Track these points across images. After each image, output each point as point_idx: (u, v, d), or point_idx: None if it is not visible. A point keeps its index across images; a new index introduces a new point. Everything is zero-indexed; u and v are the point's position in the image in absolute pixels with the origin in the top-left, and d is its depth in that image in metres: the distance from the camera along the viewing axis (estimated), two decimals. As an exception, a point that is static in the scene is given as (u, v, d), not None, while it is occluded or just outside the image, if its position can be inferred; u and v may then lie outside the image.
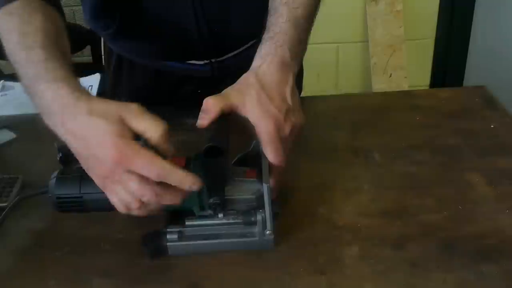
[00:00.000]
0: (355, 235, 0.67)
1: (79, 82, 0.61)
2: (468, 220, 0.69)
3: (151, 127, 0.57)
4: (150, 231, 0.66)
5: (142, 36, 0.94)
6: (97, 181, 0.59)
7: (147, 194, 0.57)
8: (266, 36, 0.69)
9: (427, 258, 0.63)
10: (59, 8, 0.73)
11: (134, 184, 0.56)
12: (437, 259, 0.63)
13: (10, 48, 0.66)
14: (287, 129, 0.63)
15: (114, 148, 0.55)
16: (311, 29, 0.73)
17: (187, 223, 0.65)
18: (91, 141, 0.56)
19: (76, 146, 0.59)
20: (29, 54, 0.63)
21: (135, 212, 0.60)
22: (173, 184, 0.57)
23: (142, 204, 0.59)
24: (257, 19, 0.74)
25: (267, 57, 0.66)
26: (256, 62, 0.66)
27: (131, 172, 0.56)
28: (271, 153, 0.62)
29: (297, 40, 0.68)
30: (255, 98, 0.62)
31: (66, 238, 0.70)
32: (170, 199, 0.59)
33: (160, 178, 0.56)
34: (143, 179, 0.56)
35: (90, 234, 0.70)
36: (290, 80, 0.65)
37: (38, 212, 0.74)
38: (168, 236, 0.65)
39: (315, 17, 0.75)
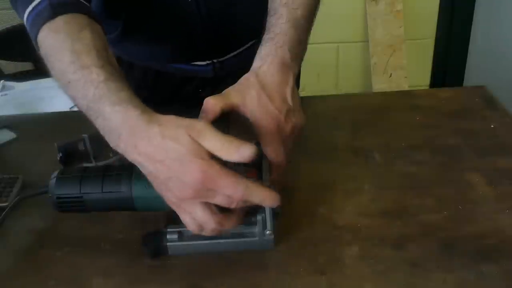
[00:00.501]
0: (355, 235, 0.67)
1: (140, 101, 0.61)
2: (468, 220, 0.69)
3: (215, 145, 0.55)
4: (150, 231, 0.66)
5: (146, 38, 0.94)
6: (172, 200, 0.58)
7: (231, 218, 0.59)
8: (266, 37, 0.69)
9: (427, 258, 0.63)
10: (98, 20, 0.71)
11: (218, 201, 0.56)
12: (437, 259, 0.63)
13: (62, 68, 0.63)
14: (287, 129, 0.63)
15: (197, 170, 0.54)
16: (311, 29, 0.73)
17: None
18: (171, 164, 0.55)
19: (152, 169, 0.56)
20: (86, 74, 0.61)
21: (208, 231, 0.60)
22: (255, 202, 0.57)
23: (219, 224, 0.58)
24: (260, 18, 0.74)
25: (267, 58, 0.66)
26: (256, 63, 0.66)
27: (214, 192, 0.55)
28: (271, 153, 0.62)
29: (297, 41, 0.68)
30: (255, 98, 0.62)
31: (66, 238, 0.70)
32: (238, 222, 0.61)
33: (244, 198, 0.56)
34: (227, 198, 0.56)
35: (90, 234, 0.70)
36: (291, 81, 0.65)
37: (38, 212, 0.74)
38: (168, 236, 0.65)
39: (315, 17, 0.75)
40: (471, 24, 2.36)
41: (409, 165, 0.81)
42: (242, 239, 0.65)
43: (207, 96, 0.63)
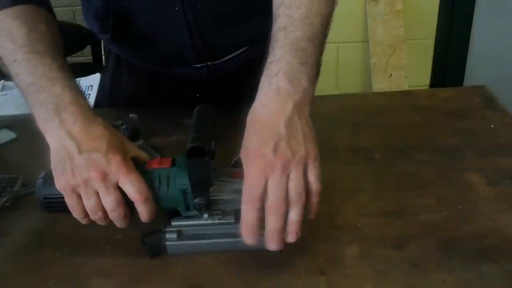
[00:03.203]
0: (355, 235, 0.67)
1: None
2: (468, 220, 0.69)
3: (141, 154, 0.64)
4: (149, 230, 0.66)
5: (136, 44, 0.94)
6: (71, 181, 0.60)
7: (118, 214, 0.61)
8: (264, 68, 0.63)
9: (427, 258, 0.63)
10: (54, 14, 0.77)
11: (113, 199, 0.60)
12: (437, 259, 0.63)
13: (11, 48, 0.67)
14: (277, 164, 0.55)
15: (121, 157, 0.60)
16: (321, 47, 0.66)
17: (173, 223, 0.65)
18: (100, 145, 0.60)
19: (75, 145, 0.60)
20: (38, 58, 0.66)
21: (96, 220, 0.62)
22: (139, 211, 0.61)
23: (104, 217, 0.62)
24: (249, 27, 0.73)
25: (261, 91, 0.60)
26: (256, 99, 0.61)
27: (117, 186, 0.60)
28: (242, 215, 0.57)
29: (296, 64, 0.61)
30: (244, 141, 0.58)
31: (66, 238, 0.70)
32: (124, 223, 0.63)
33: (140, 200, 0.60)
34: (122, 198, 0.60)
35: (90, 234, 0.70)
36: (287, 110, 0.58)
37: (38, 212, 0.74)
38: (167, 236, 0.65)
39: (324, 36, 0.66)
40: (471, 24, 2.36)
41: (409, 165, 0.81)
42: (241, 239, 0.65)
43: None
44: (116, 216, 0.61)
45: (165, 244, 0.65)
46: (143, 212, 0.61)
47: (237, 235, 0.65)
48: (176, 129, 0.92)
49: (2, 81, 1.57)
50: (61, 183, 0.60)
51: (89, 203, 0.60)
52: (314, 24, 0.64)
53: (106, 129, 0.62)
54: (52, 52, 0.68)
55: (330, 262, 0.63)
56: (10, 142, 0.94)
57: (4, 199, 0.71)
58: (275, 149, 0.55)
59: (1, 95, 1.49)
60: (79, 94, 0.65)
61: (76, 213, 0.62)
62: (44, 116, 0.63)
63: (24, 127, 0.96)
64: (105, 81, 1.10)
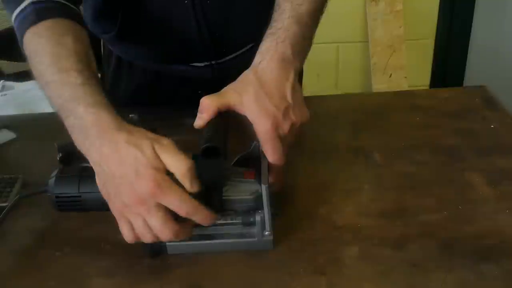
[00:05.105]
0: (355, 235, 0.67)
1: (113, 108, 0.62)
2: (468, 220, 0.69)
3: (176, 163, 0.58)
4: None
5: (143, 41, 0.94)
6: (117, 206, 0.59)
7: (167, 232, 0.58)
8: (268, 32, 0.69)
9: (427, 258, 0.63)
10: (82, 24, 0.74)
11: (157, 219, 0.57)
12: (437, 259, 0.63)
13: (41, 70, 0.66)
14: (285, 127, 0.63)
15: (151, 180, 0.56)
16: (316, 27, 0.73)
17: None
18: (128, 170, 0.57)
19: (109, 171, 0.58)
20: (64, 77, 0.64)
21: (148, 239, 0.60)
22: (196, 221, 0.59)
23: (155, 236, 0.59)
24: (257, 23, 0.74)
25: (268, 54, 0.66)
26: (256, 59, 0.66)
27: (159, 206, 0.57)
28: (269, 151, 0.62)
29: (300, 37, 0.68)
30: (253, 96, 0.63)
31: (67, 238, 0.70)
32: (185, 234, 0.61)
33: (188, 215, 0.58)
34: (168, 216, 0.58)
35: (91, 234, 0.70)
36: (291, 77, 0.65)
37: (38, 212, 0.74)
38: (168, 236, 0.65)
39: (321, 15, 0.74)
40: (471, 24, 2.36)
41: (409, 165, 0.81)
42: (242, 240, 0.65)
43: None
44: (166, 235, 0.58)
45: (165, 245, 0.65)
46: (200, 220, 0.59)
47: (237, 235, 0.66)
48: (176, 129, 0.92)
49: (2, 81, 1.57)
50: (111, 207, 0.60)
51: (137, 226, 0.59)
52: (316, 0, 0.72)
53: (130, 145, 0.58)
54: (77, 66, 0.65)
55: (330, 263, 0.64)
56: (10, 142, 0.94)
57: (16, 198, 0.71)
58: (285, 115, 0.63)
59: (1, 95, 1.49)
60: (101, 106, 0.61)
61: (127, 238, 0.61)
62: (77, 141, 0.62)
63: (24, 127, 0.96)
64: (105, 81, 1.10)
